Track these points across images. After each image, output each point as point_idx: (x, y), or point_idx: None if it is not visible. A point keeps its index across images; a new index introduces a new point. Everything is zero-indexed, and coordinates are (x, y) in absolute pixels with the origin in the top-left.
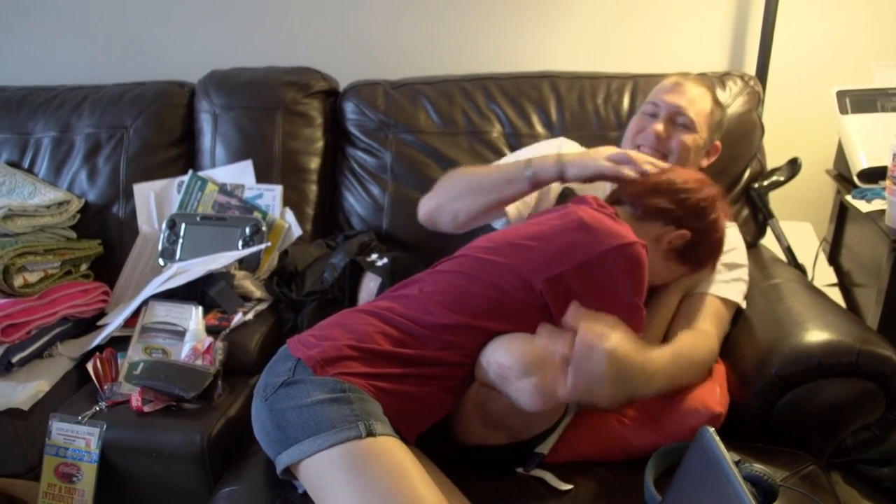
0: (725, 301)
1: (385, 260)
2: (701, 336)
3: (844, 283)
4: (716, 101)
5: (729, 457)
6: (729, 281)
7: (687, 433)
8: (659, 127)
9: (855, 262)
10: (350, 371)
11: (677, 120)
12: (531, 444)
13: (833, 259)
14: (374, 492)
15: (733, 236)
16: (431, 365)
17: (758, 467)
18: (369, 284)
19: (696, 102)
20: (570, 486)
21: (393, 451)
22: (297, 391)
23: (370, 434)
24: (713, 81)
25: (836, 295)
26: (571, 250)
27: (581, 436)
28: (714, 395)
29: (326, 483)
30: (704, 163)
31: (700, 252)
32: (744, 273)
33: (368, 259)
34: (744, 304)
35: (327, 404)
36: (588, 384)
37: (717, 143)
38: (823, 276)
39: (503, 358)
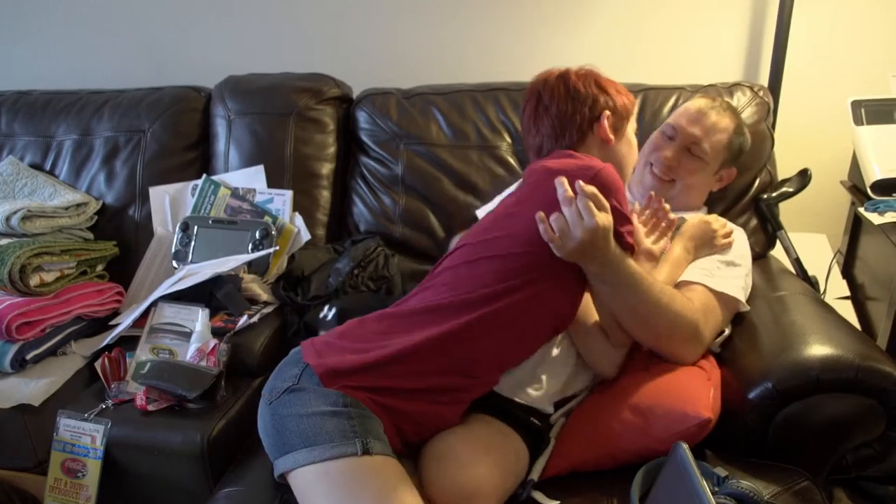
0: (717, 293)
1: (333, 311)
2: (686, 300)
3: (857, 297)
4: (737, 132)
5: (699, 472)
6: (725, 276)
7: (675, 438)
8: (668, 153)
9: (868, 275)
10: (356, 385)
11: (692, 150)
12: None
13: (847, 272)
14: None
15: (739, 240)
16: (444, 389)
17: (744, 483)
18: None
19: (714, 135)
20: (556, 502)
21: (387, 473)
22: (300, 399)
23: (366, 452)
24: (739, 116)
25: (848, 308)
26: (553, 195)
27: (572, 445)
28: (706, 400)
29: (316, 496)
30: (716, 187)
31: (622, 109)
32: (742, 273)
33: (320, 315)
34: (742, 300)
35: (327, 417)
36: (567, 229)
37: (733, 169)
38: (837, 289)
39: (441, 486)
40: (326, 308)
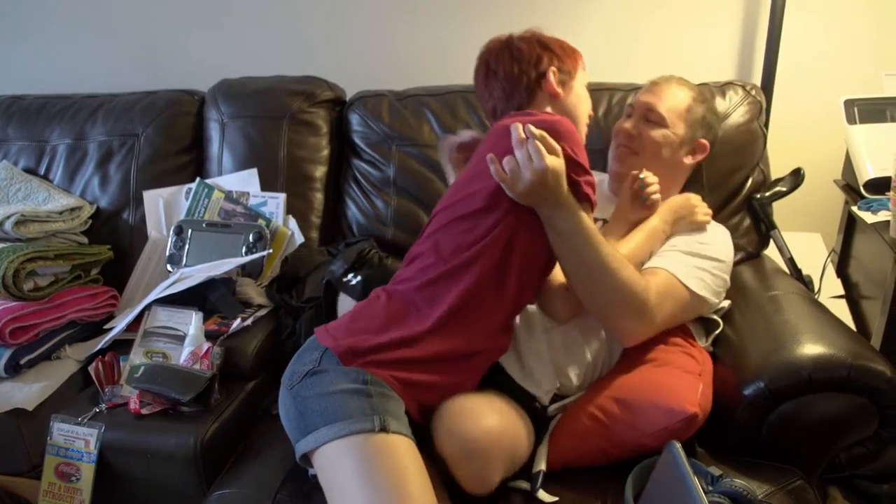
0: (682, 284)
1: (358, 279)
2: (638, 275)
3: (852, 296)
4: (697, 100)
5: (691, 471)
6: (690, 266)
7: (663, 433)
8: (627, 124)
9: (862, 274)
10: (375, 360)
11: (649, 116)
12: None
13: (841, 270)
14: (374, 486)
15: (719, 235)
16: (459, 356)
17: (738, 482)
18: (346, 301)
19: (669, 99)
20: (555, 499)
21: (401, 451)
22: (322, 380)
23: (383, 429)
24: (705, 88)
25: (843, 307)
26: (510, 146)
27: (564, 441)
28: (694, 395)
29: (334, 472)
30: (688, 160)
31: (565, 61)
32: (714, 267)
33: (344, 279)
34: (704, 294)
35: (348, 395)
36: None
37: (703, 141)
38: (831, 288)
39: (448, 443)
40: (352, 275)
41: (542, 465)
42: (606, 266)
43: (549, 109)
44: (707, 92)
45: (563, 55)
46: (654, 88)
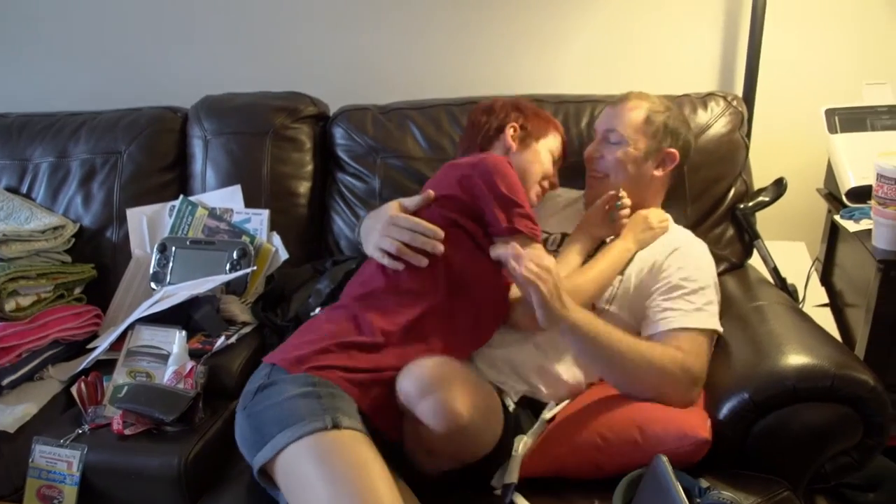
0: (695, 330)
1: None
2: (665, 349)
3: (836, 304)
4: (655, 110)
5: (678, 486)
6: (694, 310)
7: (670, 455)
8: (589, 149)
9: (846, 282)
10: (322, 364)
11: (609, 138)
12: (493, 462)
13: (825, 279)
14: (335, 481)
15: (697, 256)
16: (396, 353)
17: (725, 494)
18: None
19: (625, 116)
20: None
21: (356, 445)
22: (272, 392)
23: (336, 426)
24: (661, 99)
25: (827, 315)
26: (448, 177)
27: (558, 448)
28: (703, 422)
29: (294, 476)
30: (658, 172)
31: (531, 122)
32: (711, 294)
33: (311, 313)
34: (719, 328)
35: (298, 399)
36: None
37: (670, 150)
38: (815, 297)
39: (405, 382)
40: (319, 309)
41: (513, 478)
42: (635, 355)
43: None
44: (677, 101)
45: (532, 117)
46: (611, 110)
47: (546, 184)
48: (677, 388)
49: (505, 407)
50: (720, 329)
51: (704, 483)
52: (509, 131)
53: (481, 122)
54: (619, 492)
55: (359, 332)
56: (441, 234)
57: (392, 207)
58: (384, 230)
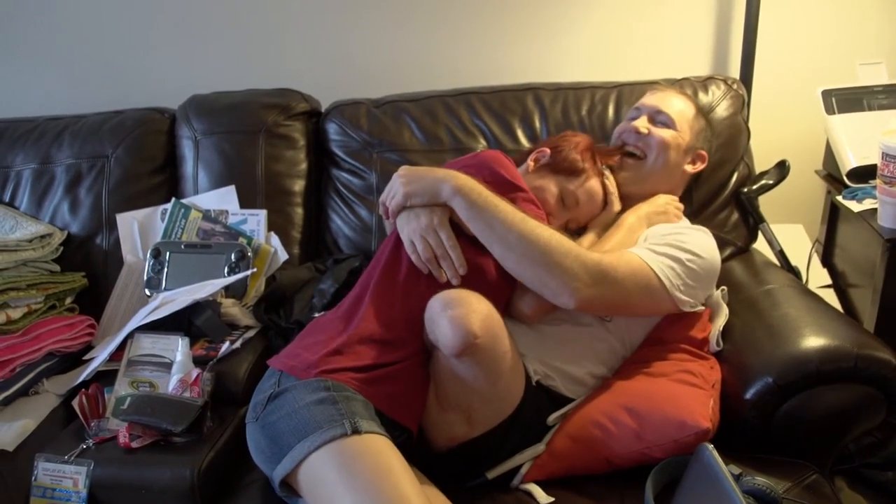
0: (642, 260)
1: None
2: (573, 244)
3: (839, 285)
4: (699, 111)
5: (730, 475)
6: (658, 253)
7: (670, 445)
8: (639, 122)
9: (849, 263)
10: (332, 367)
11: (657, 118)
12: (497, 451)
13: (827, 260)
14: (362, 489)
15: (698, 234)
16: (401, 344)
17: (760, 480)
18: None
19: (676, 104)
20: (551, 499)
21: (379, 449)
22: (285, 400)
23: (355, 432)
24: (694, 98)
25: (831, 296)
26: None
27: (565, 447)
28: (705, 410)
29: (319, 485)
30: (690, 169)
31: (560, 161)
32: (688, 259)
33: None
34: (664, 280)
35: (314, 406)
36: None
37: (703, 152)
38: (818, 278)
39: (434, 300)
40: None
41: (490, 476)
42: (520, 226)
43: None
44: (678, 84)
45: (569, 153)
46: (659, 93)
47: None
48: (564, 275)
49: (529, 378)
50: (669, 289)
51: (736, 469)
52: (536, 153)
53: (533, 147)
54: (651, 481)
55: (364, 328)
56: (465, 269)
57: (440, 212)
58: (425, 230)
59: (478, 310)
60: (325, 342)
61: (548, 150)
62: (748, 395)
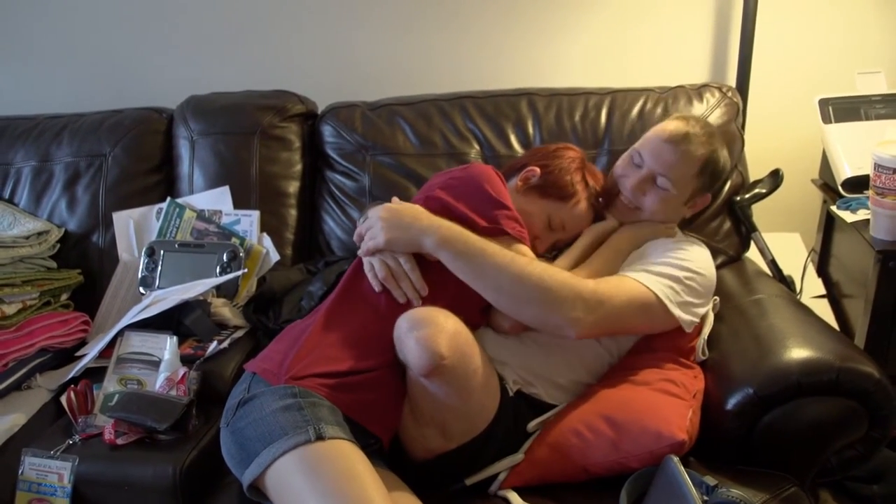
0: (637, 282)
1: None
2: (562, 273)
3: (833, 295)
4: (711, 160)
5: (692, 486)
6: (655, 273)
7: (646, 456)
8: (633, 181)
9: (843, 273)
10: (302, 374)
11: (657, 180)
12: (476, 460)
13: (822, 270)
14: (326, 494)
15: (695, 250)
16: (374, 353)
17: (735, 492)
18: None
19: (682, 166)
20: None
21: (344, 454)
22: (253, 406)
23: (319, 438)
24: (715, 138)
25: (824, 306)
26: (436, 182)
27: (543, 454)
28: (683, 421)
29: (285, 490)
30: (688, 214)
31: (551, 183)
32: (686, 276)
33: None
34: (660, 296)
35: (280, 413)
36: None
37: (707, 196)
38: (812, 288)
39: (401, 319)
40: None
41: (468, 482)
42: (511, 268)
43: (511, 191)
44: (672, 93)
45: (561, 174)
46: (669, 154)
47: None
48: (562, 309)
49: (505, 390)
50: (669, 308)
51: (712, 480)
52: (525, 172)
53: (526, 154)
54: (625, 492)
55: (338, 336)
56: (425, 291)
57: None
58: (382, 253)
59: (445, 329)
60: (298, 348)
61: (538, 170)
62: (729, 406)
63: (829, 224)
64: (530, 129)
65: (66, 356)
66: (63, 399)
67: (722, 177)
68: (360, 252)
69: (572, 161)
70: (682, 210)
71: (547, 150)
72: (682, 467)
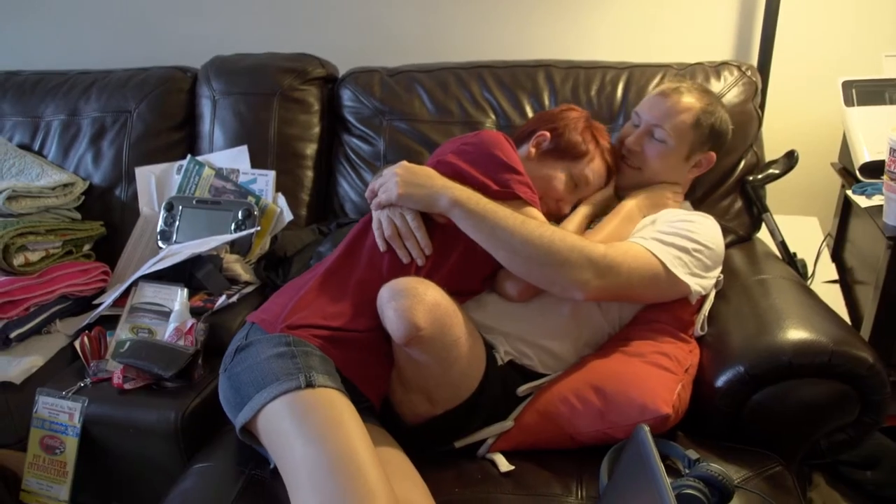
0: (648, 251)
1: None
2: (573, 236)
3: (846, 280)
4: (707, 111)
5: (658, 456)
6: (664, 242)
7: (631, 428)
8: (630, 140)
9: (857, 259)
10: (298, 324)
11: (654, 133)
12: (465, 426)
13: (836, 255)
14: (312, 438)
15: (705, 222)
16: (368, 315)
17: (714, 467)
18: None
19: (676, 116)
20: (511, 468)
21: (331, 402)
22: (250, 353)
23: (309, 385)
24: (711, 96)
25: (836, 292)
26: (448, 147)
27: (532, 421)
28: (670, 395)
29: (274, 433)
30: (693, 173)
31: (565, 145)
32: (694, 248)
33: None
34: (676, 271)
35: (273, 359)
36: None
37: (711, 154)
38: (825, 272)
39: (383, 289)
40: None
41: (458, 444)
42: (523, 230)
43: (523, 159)
44: (689, 70)
45: (572, 136)
46: (661, 103)
47: (551, 204)
48: (572, 271)
49: (493, 359)
50: (679, 277)
51: (694, 454)
52: (536, 138)
53: (531, 120)
54: (606, 462)
55: (336, 292)
56: (430, 250)
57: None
58: (391, 210)
59: (424, 300)
60: (297, 300)
61: (548, 134)
62: (719, 383)
63: (846, 209)
64: (546, 101)
65: (85, 304)
66: (77, 344)
67: (722, 136)
68: (371, 205)
69: (578, 120)
70: (683, 167)
71: (552, 114)
72: (650, 437)
